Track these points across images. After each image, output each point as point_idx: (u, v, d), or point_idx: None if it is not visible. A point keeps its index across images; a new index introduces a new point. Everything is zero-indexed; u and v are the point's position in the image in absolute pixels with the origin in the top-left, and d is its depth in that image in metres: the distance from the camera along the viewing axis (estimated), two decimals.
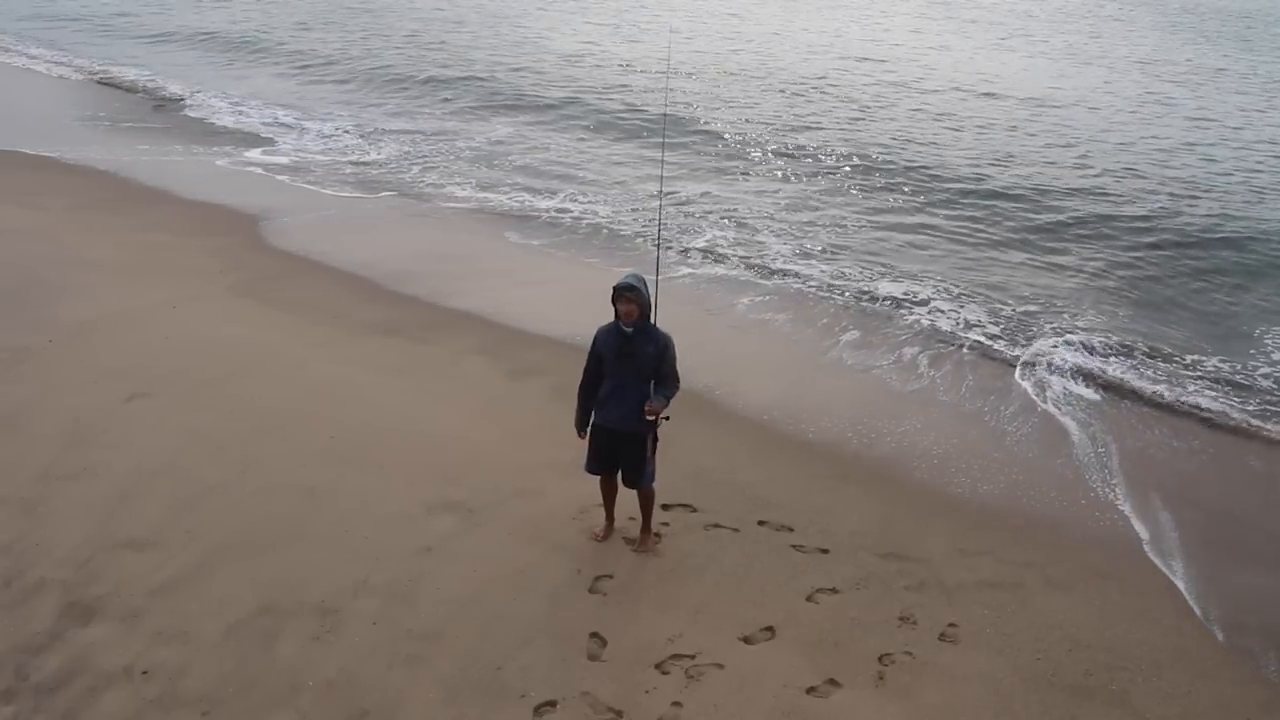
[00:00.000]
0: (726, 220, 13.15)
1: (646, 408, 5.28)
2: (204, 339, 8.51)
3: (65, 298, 9.17)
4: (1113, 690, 4.95)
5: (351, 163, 15.71)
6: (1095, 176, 16.24)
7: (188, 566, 5.49)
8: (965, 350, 9.30)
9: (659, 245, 7.11)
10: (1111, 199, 14.93)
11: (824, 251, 12.09)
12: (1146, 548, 6.29)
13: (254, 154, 15.97)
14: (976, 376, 8.75)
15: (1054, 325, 9.97)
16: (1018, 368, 8.94)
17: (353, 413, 7.33)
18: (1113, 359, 9.19)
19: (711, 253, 11.78)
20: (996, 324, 9.98)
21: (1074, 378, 8.81)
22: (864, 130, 19.00)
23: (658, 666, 4.91)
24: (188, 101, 19.78)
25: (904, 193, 14.98)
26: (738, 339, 9.38)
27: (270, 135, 17.38)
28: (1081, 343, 9.51)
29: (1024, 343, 9.50)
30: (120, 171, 14.25)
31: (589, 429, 5.61)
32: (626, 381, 5.36)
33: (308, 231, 11.98)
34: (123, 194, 13.22)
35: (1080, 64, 29.88)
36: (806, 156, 16.88)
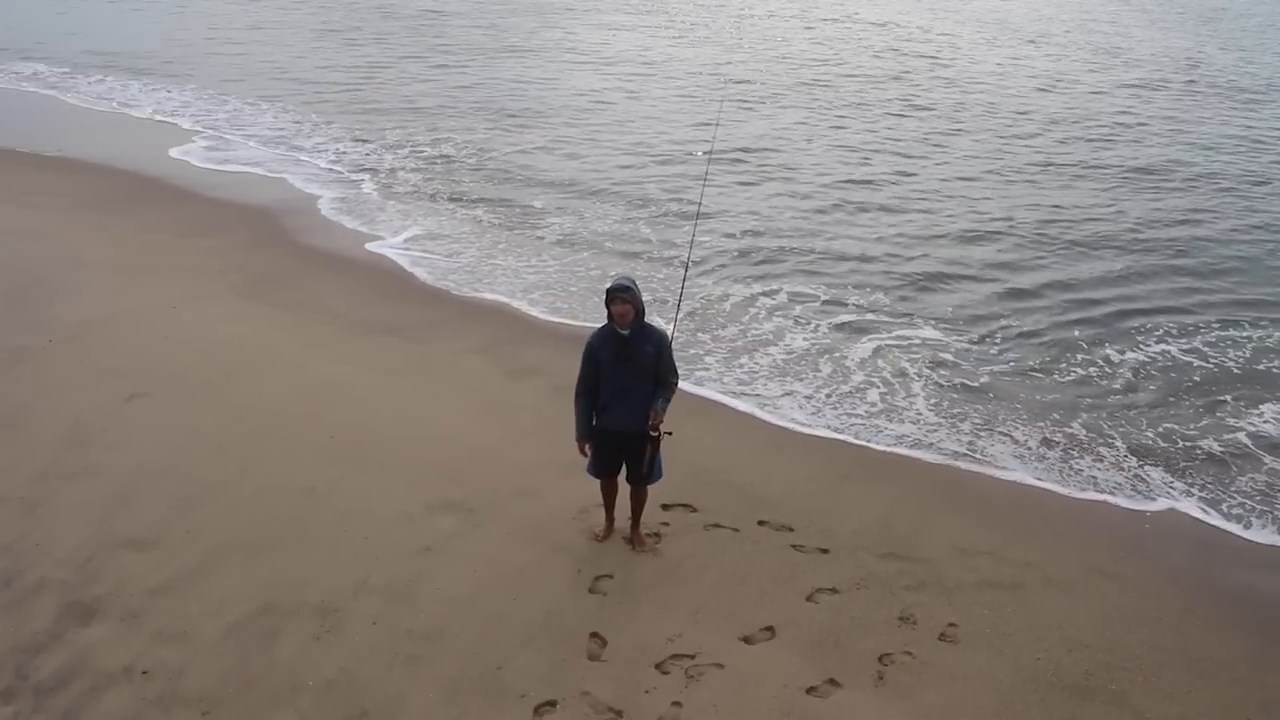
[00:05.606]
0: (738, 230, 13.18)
1: (650, 418, 5.27)
2: (204, 339, 8.51)
3: (65, 298, 9.18)
4: (1113, 690, 4.95)
5: None
6: None
7: (188, 566, 5.49)
8: (964, 348, 9.32)
9: (691, 242, 7.11)
10: None
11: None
12: (1146, 547, 6.29)
13: None
14: (974, 374, 8.76)
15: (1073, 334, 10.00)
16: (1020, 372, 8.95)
17: (352, 413, 7.33)
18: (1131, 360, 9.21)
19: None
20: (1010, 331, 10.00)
21: (1074, 378, 8.82)
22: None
23: (658, 666, 4.91)
24: None
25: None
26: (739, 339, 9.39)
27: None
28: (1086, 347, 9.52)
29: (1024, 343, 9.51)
30: (120, 170, 14.26)
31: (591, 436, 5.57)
32: (628, 384, 5.34)
33: (308, 231, 11.98)
34: (123, 194, 13.23)
35: None
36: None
